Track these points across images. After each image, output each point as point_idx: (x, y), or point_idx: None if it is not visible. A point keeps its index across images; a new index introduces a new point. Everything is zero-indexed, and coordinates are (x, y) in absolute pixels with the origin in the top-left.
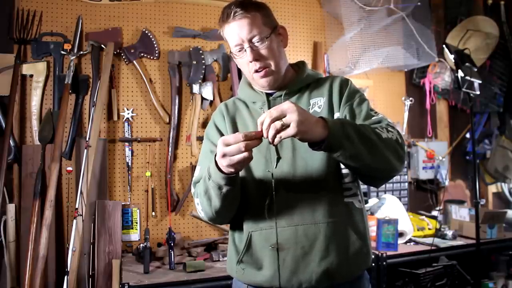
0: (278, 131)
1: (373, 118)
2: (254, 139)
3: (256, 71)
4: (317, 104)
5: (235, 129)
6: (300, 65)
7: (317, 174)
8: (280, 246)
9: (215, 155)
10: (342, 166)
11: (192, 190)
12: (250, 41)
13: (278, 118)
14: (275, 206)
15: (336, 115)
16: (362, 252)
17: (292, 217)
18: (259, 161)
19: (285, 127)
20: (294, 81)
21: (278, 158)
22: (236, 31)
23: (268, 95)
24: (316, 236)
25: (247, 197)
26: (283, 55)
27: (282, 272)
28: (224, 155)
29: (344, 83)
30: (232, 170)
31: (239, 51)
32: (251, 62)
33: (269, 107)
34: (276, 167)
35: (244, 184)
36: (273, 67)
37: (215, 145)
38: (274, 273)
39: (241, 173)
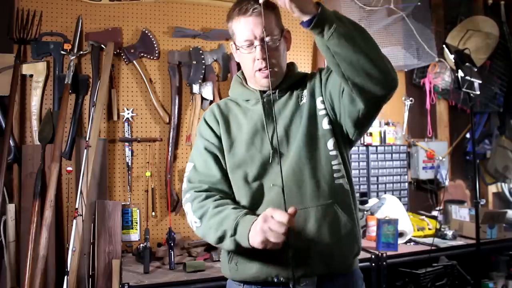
0: None
1: None
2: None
3: (260, 70)
4: (305, 97)
5: (228, 130)
6: (290, 65)
7: (305, 159)
8: None
9: (252, 222)
10: (330, 147)
11: (184, 185)
12: (262, 39)
13: None
14: (264, 192)
15: (319, 99)
16: (353, 232)
17: (280, 203)
18: (254, 156)
19: None
20: (286, 80)
21: (274, 152)
22: (251, 27)
23: (261, 92)
24: (306, 221)
25: (241, 191)
26: (286, 58)
27: (276, 262)
28: (261, 228)
29: (318, 70)
30: (260, 246)
31: (248, 46)
32: (258, 60)
33: (263, 105)
34: (270, 161)
35: (238, 178)
36: (277, 69)
37: (209, 141)
38: (269, 263)
39: (236, 168)
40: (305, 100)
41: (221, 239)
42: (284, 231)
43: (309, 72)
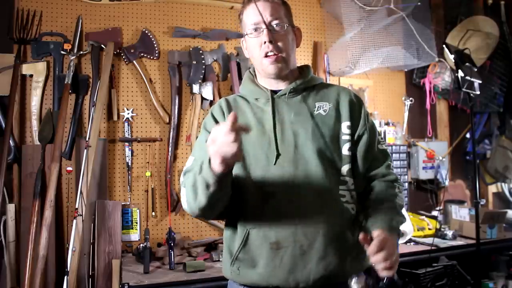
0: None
1: (380, 160)
2: (240, 129)
3: (266, 56)
4: (322, 107)
5: None
6: (305, 68)
7: (318, 175)
8: (278, 245)
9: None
10: (343, 173)
11: (181, 179)
12: (269, 23)
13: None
14: (275, 203)
15: (345, 123)
16: (359, 257)
17: (292, 215)
18: (260, 157)
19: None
20: (299, 81)
21: (278, 155)
22: (260, 10)
23: (272, 92)
24: (315, 236)
25: (245, 194)
26: (294, 51)
27: (279, 271)
28: (213, 150)
29: (357, 100)
30: (222, 167)
31: (255, 30)
32: (264, 43)
33: (273, 105)
34: (275, 164)
35: (243, 180)
36: (284, 54)
37: None
38: (271, 271)
39: (241, 169)
40: (325, 113)
41: (194, 187)
42: (233, 138)
43: (324, 77)
